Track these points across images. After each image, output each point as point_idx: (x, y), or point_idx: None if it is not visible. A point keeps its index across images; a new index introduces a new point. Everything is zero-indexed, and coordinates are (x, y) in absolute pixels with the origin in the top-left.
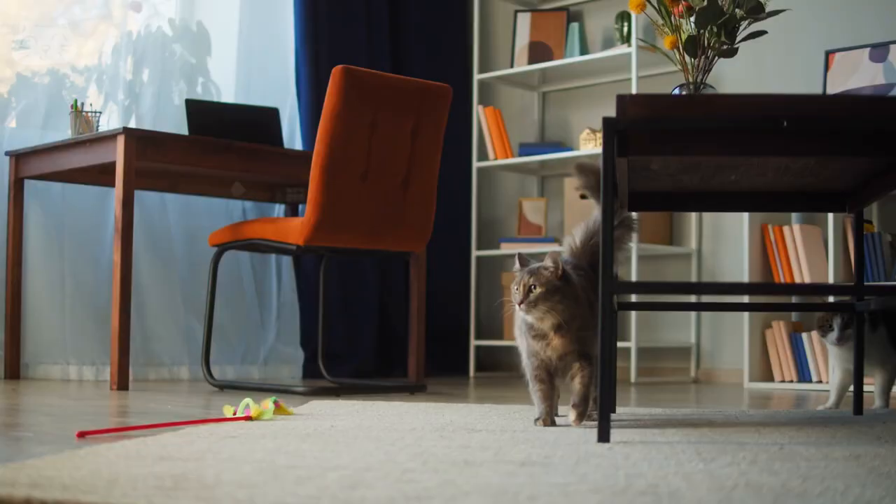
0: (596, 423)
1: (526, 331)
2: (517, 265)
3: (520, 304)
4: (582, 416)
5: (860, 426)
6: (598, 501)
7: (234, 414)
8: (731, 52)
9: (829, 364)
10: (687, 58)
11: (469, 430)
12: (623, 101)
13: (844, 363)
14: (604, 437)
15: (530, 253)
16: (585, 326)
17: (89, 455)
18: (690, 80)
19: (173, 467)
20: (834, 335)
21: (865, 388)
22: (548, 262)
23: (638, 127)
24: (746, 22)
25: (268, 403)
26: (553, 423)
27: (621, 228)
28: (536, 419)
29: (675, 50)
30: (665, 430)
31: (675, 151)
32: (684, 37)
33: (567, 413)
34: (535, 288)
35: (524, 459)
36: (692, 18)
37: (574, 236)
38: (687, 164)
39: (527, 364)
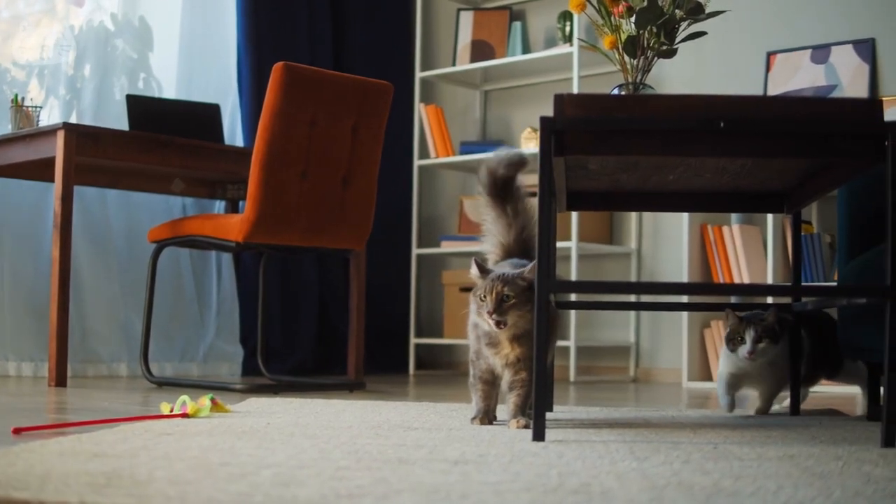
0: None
1: (480, 335)
2: (475, 271)
3: (491, 315)
4: (522, 423)
5: (796, 426)
6: (530, 500)
7: (171, 411)
8: (671, 53)
9: (720, 372)
10: (626, 58)
11: (405, 428)
12: (560, 100)
13: (750, 380)
14: (539, 435)
15: (471, 252)
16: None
17: (24, 452)
18: (630, 80)
19: (106, 464)
20: (745, 348)
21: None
22: (527, 272)
23: (575, 126)
24: (686, 23)
25: (205, 401)
26: (490, 423)
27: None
28: (473, 417)
29: (615, 50)
30: (601, 429)
31: (612, 151)
32: (624, 37)
33: (504, 415)
34: (508, 298)
35: (458, 458)
36: (632, 19)
37: (497, 235)
38: (625, 163)
39: (473, 362)
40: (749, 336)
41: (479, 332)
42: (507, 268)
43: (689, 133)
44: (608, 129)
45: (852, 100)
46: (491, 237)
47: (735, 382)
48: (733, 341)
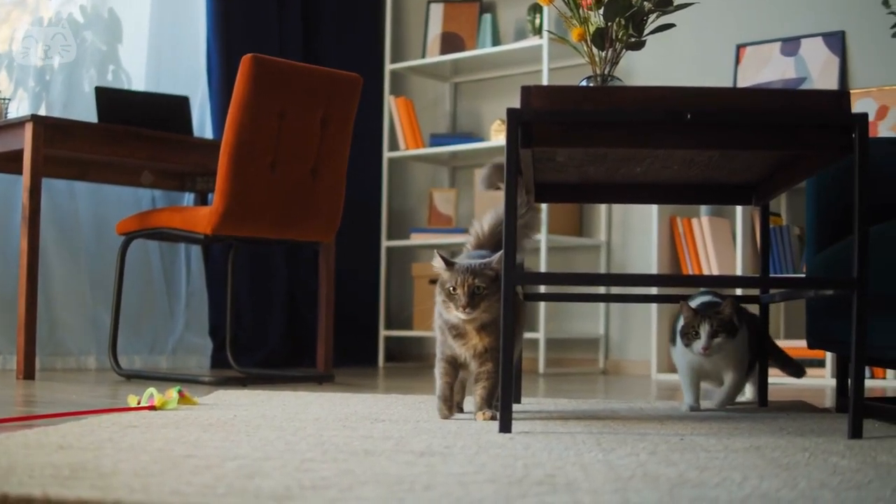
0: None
1: (446, 327)
2: (440, 263)
3: (465, 308)
4: (488, 415)
5: (763, 418)
6: (494, 491)
7: (138, 404)
8: (639, 45)
9: (680, 367)
10: (595, 50)
11: (373, 419)
12: (527, 92)
13: (708, 375)
14: (505, 427)
15: (440, 244)
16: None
17: None
18: (598, 72)
19: (72, 456)
20: (700, 343)
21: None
22: (493, 262)
23: (542, 118)
24: (655, 15)
25: (172, 393)
26: (449, 411)
27: (529, 214)
28: (438, 396)
29: (584, 42)
30: (568, 421)
31: (578, 143)
32: (592, 29)
33: (470, 410)
34: (480, 290)
35: (424, 449)
36: (601, 11)
37: (482, 223)
38: (592, 155)
39: (440, 350)
40: (704, 330)
41: (444, 323)
42: (466, 260)
43: (656, 125)
44: (575, 121)
45: (819, 92)
46: (475, 224)
47: (695, 375)
48: (688, 336)
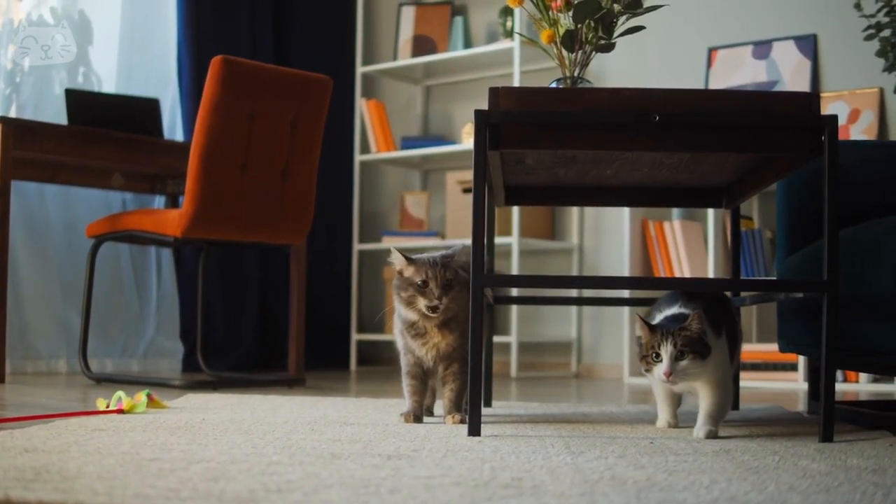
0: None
1: (404, 329)
2: (401, 258)
3: (440, 300)
4: (458, 418)
5: (735, 421)
6: (460, 494)
7: (107, 407)
8: (609, 47)
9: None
10: (564, 52)
11: (342, 423)
12: (495, 93)
13: (685, 393)
14: (474, 431)
15: (413, 247)
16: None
17: None
18: (567, 74)
19: (36, 459)
20: (662, 367)
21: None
22: (460, 256)
23: (509, 120)
24: (625, 17)
25: (141, 396)
26: (418, 420)
27: None
28: (402, 413)
29: (553, 44)
30: (538, 424)
31: (547, 145)
32: (562, 31)
33: (440, 413)
34: (450, 283)
35: (392, 453)
36: (570, 13)
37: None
38: (562, 158)
39: (403, 361)
40: (666, 351)
41: (404, 324)
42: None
43: (624, 127)
44: (543, 123)
45: (788, 94)
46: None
47: (670, 395)
48: (646, 359)
